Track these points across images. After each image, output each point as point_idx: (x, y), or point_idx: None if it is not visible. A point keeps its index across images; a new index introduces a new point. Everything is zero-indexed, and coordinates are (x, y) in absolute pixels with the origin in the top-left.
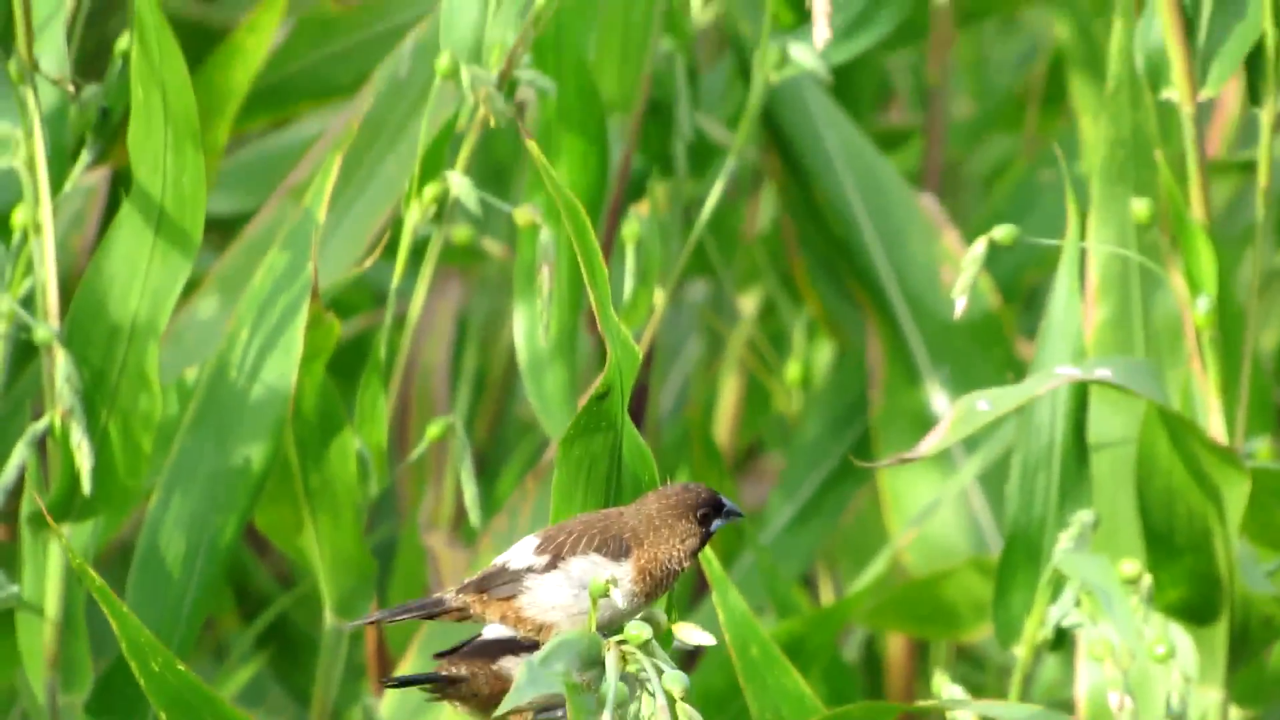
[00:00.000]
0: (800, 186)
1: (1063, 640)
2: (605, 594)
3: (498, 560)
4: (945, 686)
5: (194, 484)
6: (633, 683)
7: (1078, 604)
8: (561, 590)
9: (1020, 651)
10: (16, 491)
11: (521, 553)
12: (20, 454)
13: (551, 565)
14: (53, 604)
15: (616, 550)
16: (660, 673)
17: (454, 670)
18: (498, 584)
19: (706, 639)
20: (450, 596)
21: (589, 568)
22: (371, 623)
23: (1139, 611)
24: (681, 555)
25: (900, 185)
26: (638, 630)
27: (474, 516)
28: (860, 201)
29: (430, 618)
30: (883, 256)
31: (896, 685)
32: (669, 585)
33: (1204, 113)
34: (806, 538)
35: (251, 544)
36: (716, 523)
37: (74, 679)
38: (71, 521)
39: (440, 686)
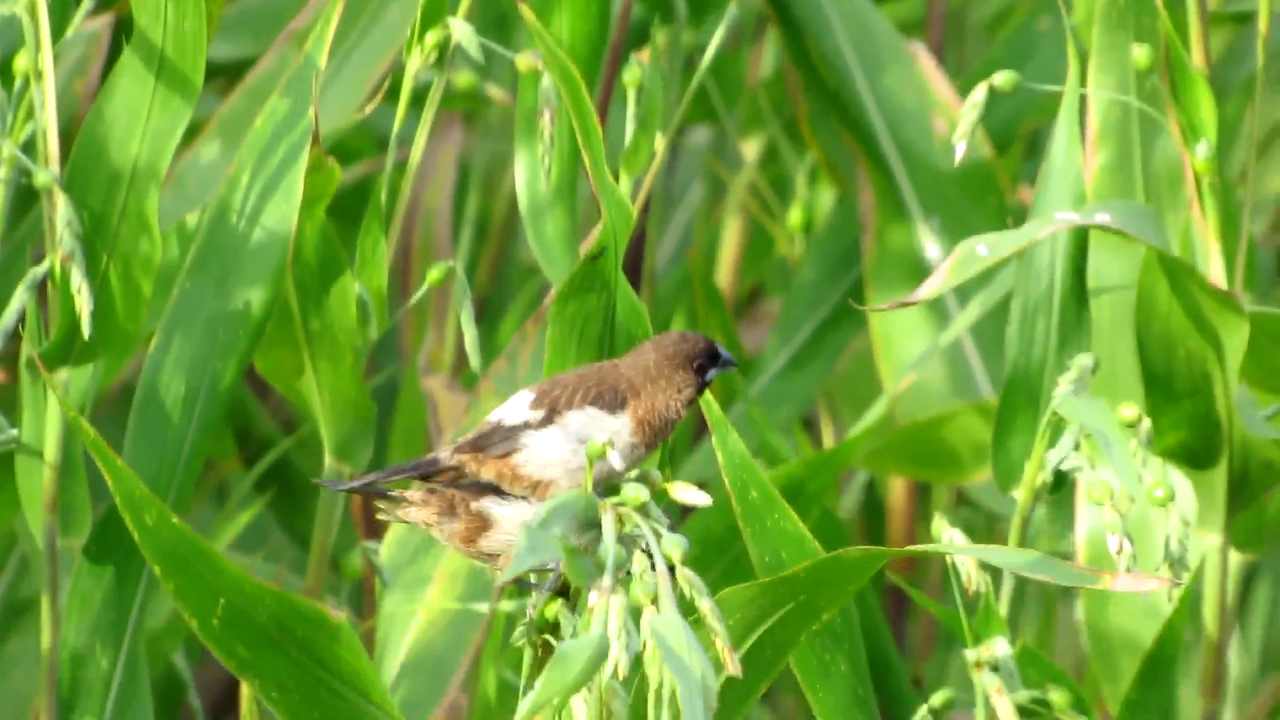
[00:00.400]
0: (794, 35)
1: (1062, 484)
2: (602, 455)
3: (492, 417)
4: (945, 530)
5: (194, 327)
6: (631, 544)
7: (1077, 448)
8: (559, 445)
9: (1019, 495)
10: (16, 335)
11: (516, 408)
12: (20, 298)
13: (548, 420)
14: (51, 448)
15: (613, 402)
16: (659, 537)
17: (418, 497)
18: (493, 441)
19: (703, 499)
20: (445, 456)
21: (586, 421)
22: (364, 484)
23: (1138, 455)
24: (679, 405)
25: (892, 34)
26: (635, 493)
27: (474, 361)
28: (852, 51)
29: (424, 478)
30: (874, 106)
31: (897, 529)
32: (667, 435)
33: None
34: (803, 381)
35: (252, 387)
36: (712, 372)
37: (73, 523)
38: (71, 365)
39: (402, 509)
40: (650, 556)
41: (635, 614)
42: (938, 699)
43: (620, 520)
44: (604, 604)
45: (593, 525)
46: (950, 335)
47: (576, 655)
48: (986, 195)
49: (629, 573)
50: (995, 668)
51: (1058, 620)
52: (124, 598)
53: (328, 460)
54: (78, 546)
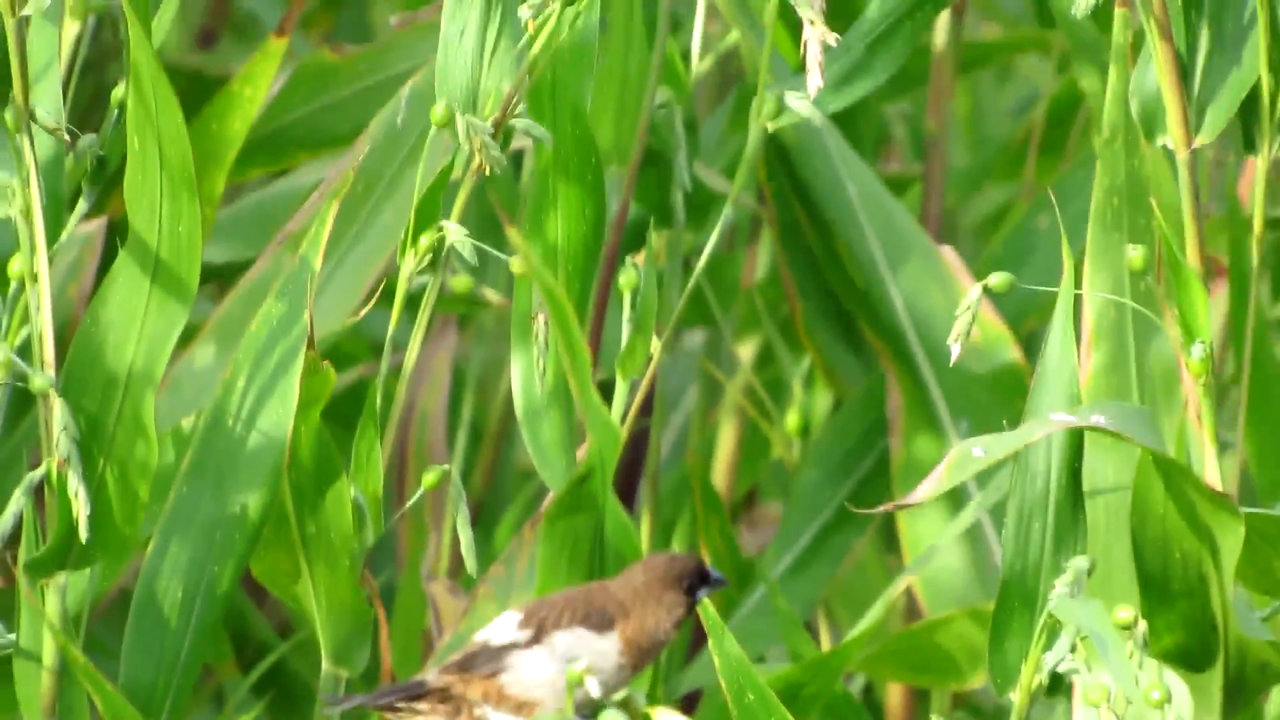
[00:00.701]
0: (820, 235)
1: (1059, 686)
2: (580, 683)
3: (479, 636)
4: None
5: (191, 531)
6: None
7: (1073, 650)
8: (546, 665)
9: (1016, 697)
10: (14, 539)
11: (504, 628)
12: (17, 502)
13: (535, 640)
14: (49, 653)
15: (601, 623)
16: None
17: (413, 704)
18: (480, 662)
19: None
20: (432, 678)
21: (574, 641)
22: (355, 706)
23: (1134, 657)
24: (669, 625)
25: (919, 234)
26: (614, 717)
27: (470, 564)
28: (880, 251)
29: (413, 699)
30: (903, 307)
31: None
32: (656, 655)
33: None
34: (806, 585)
35: (249, 592)
36: (702, 591)
37: None
38: (69, 569)
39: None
40: None
41: None
42: None
43: None
44: None
45: None
46: (952, 532)
47: None
48: (1015, 397)
49: None
50: None
51: None
52: None
53: (325, 665)
54: None
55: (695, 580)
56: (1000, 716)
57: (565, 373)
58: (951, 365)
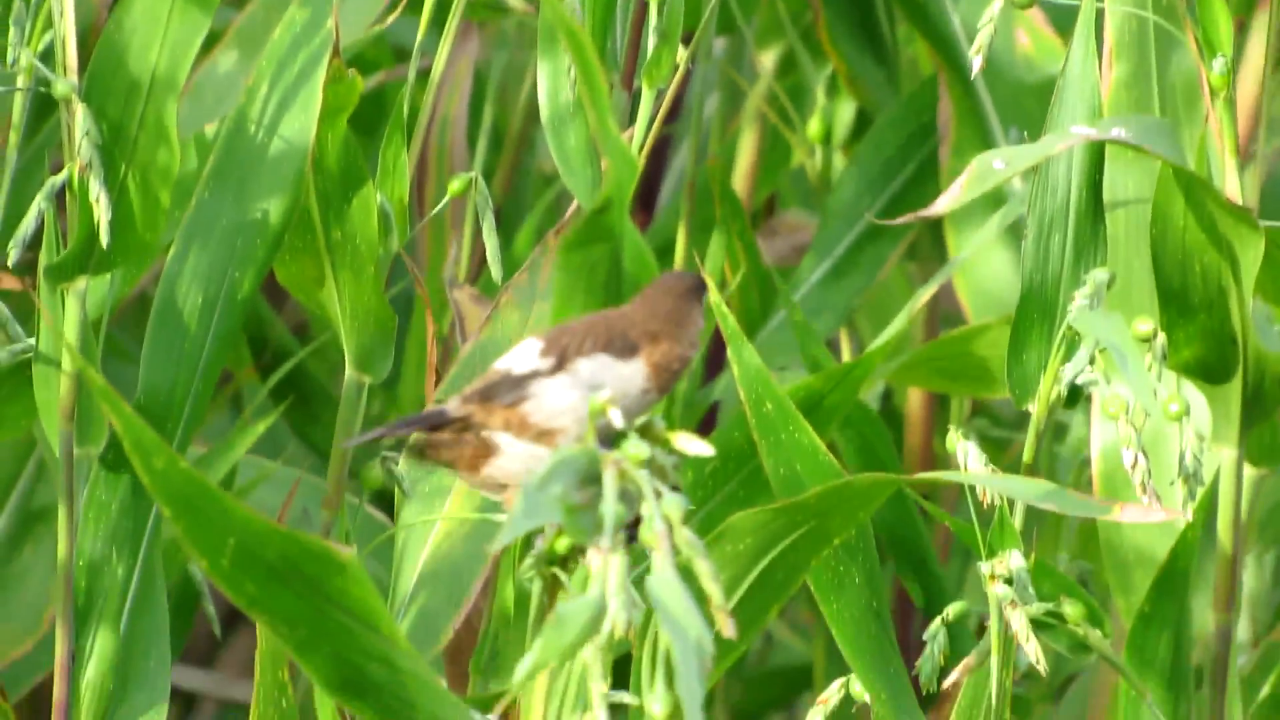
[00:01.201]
0: None
1: (1077, 398)
2: (603, 414)
3: (499, 365)
4: (959, 444)
5: (212, 237)
6: (632, 500)
7: (1092, 362)
8: (569, 393)
9: (1034, 409)
10: (35, 244)
11: (525, 356)
12: (38, 207)
13: (558, 368)
14: (68, 357)
15: (624, 348)
16: (659, 496)
17: (430, 435)
18: (502, 391)
19: (704, 449)
20: (453, 407)
21: (597, 369)
22: (373, 438)
23: (1153, 369)
24: (691, 342)
25: None
26: (636, 449)
27: (496, 271)
28: None
29: (433, 429)
30: (957, 17)
31: (914, 441)
32: (680, 377)
33: None
34: (841, 294)
35: (268, 297)
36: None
37: (89, 432)
38: (89, 274)
39: (417, 446)
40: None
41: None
42: (952, 610)
43: (621, 475)
44: (603, 565)
45: (594, 480)
46: (979, 242)
47: (574, 617)
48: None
49: (635, 525)
50: (1009, 581)
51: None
52: (140, 506)
53: (348, 371)
54: (95, 455)
55: (704, 291)
56: (1019, 426)
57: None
58: (1000, 75)
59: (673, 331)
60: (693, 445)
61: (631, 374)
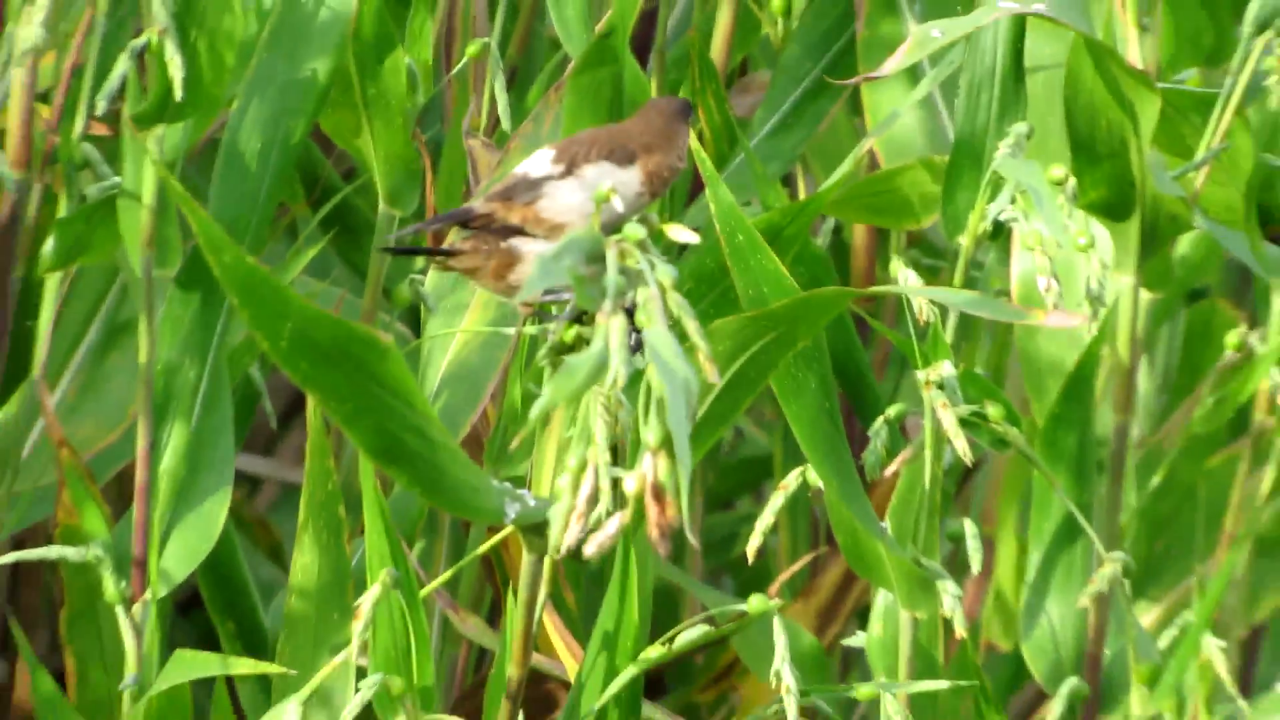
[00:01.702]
0: None
1: (1000, 232)
2: (607, 200)
3: (518, 170)
4: (900, 270)
5: (269, 92)
6: (631, 275)
7: (1013, 201)
8: (576, 194)
9: (964, 241)
10: (120, 97)
11: (539, 163)
12: (122, 65)
13: (567, 173)
14: (148, 192)
15: (623, 157)
16: (653, 266)
17: (458, 244)
18: (519, 192)
19: (692, 237)
20: (478, 205)
21: (600, 174)
22: (414, 230)
23: (1065, 208)
24: (679, 154)
25: None
26: (634, 230)
27: (505, 123)
28: None
29: (462, 225)
30: None
31: (859, 268)
32: (669, 184)
33: None
34: (789, 143)
35: (318, 143)
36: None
37: (166, 256)
38: (165, 123)
39: (443, 256)
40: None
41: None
42: (893, 411)
43: (622, 254)
44: (606, 324)
45: (599, 259)
46: (913, 98)
47: (580, 366)
48: None
49: (633, 303)
50: (941, 386)
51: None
52: (209, 320)
53: (381, 205)
54: (170, 276)
55: (691, 114)
56: (951, 257)
57: None
58: None
59: (664, 145)
60: (683, 234)
61: (629, 179)
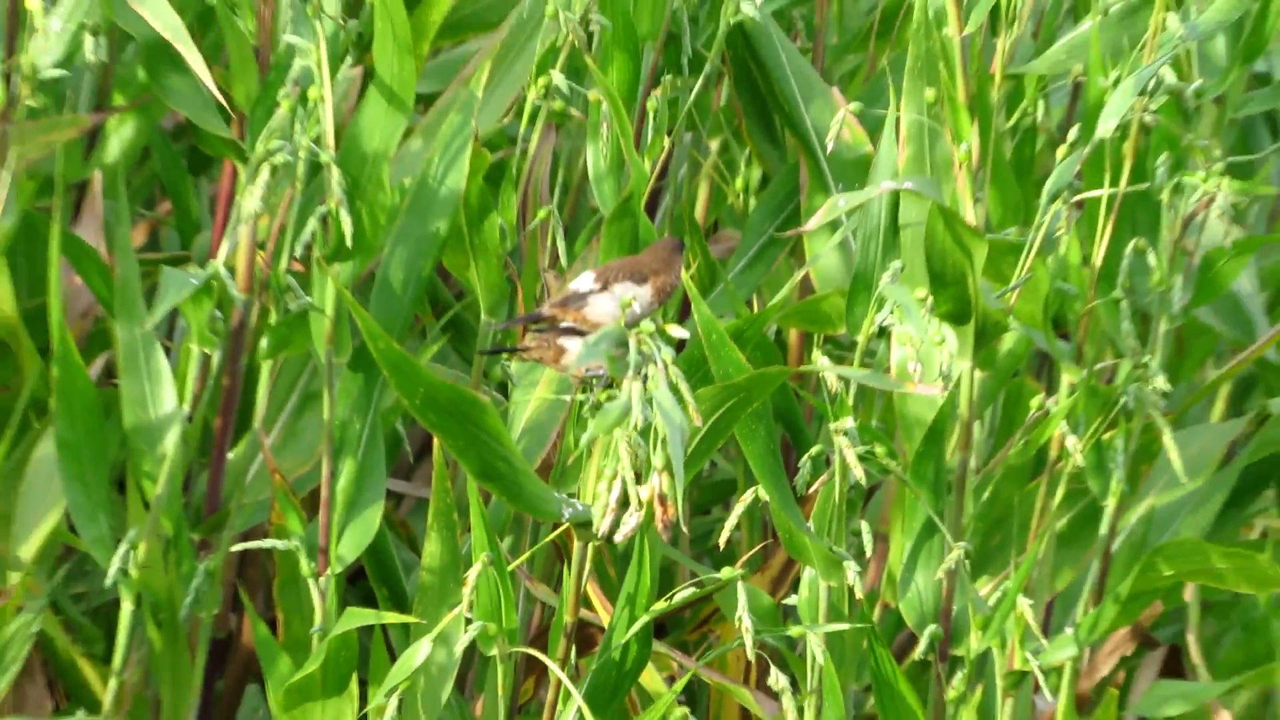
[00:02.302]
0: (763, 79)
1: (884, 333)
2: (629, 306)
3: (570, 286)
4: (820, 358)
5: (408, 241)
6: (645, 355)
7: (893, 313)
8: (609, 303)
9: (860, 338)
10: (310, 245)
11: (584, 282)
12: (312, 224)
13: (603, 289)
14: (329, 306)
15: (639, 278)
16: (659, 350)
17: (529, 343)
18: (572, 301)
19: (684, 334)
20: (545, 310)
21: (624, 289)
22: (504, 326)
23: (925, 317)
24: (677, 276)
25: (819, 80)
26: (647, 326)
27: (563, 259)
28: (797, 90)
29: (536, 322)
30: (809, 121)
31: (793, 357)
32: (670, 297)
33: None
34: (752, 277)
35: (441, 276)
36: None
37: (341, 348)
38: (340, 262)
39: (521, 351)
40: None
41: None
42: (815, 450)
43: (639, 342)
44: (628, 386)
45: (624, 344)
46: (832, 244)
47: (612, 411)
48: (865, 173)
49: (646, 374)
50: (846, 433)
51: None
52: (369, 389)
53: (483, 315)
54: (344, 361)
55: (684, 249)
56: (853, 348)
57: (615, 156)
58: (830, 154)
59: (667, 270)
60: (677, 331)
61: (644, 293)
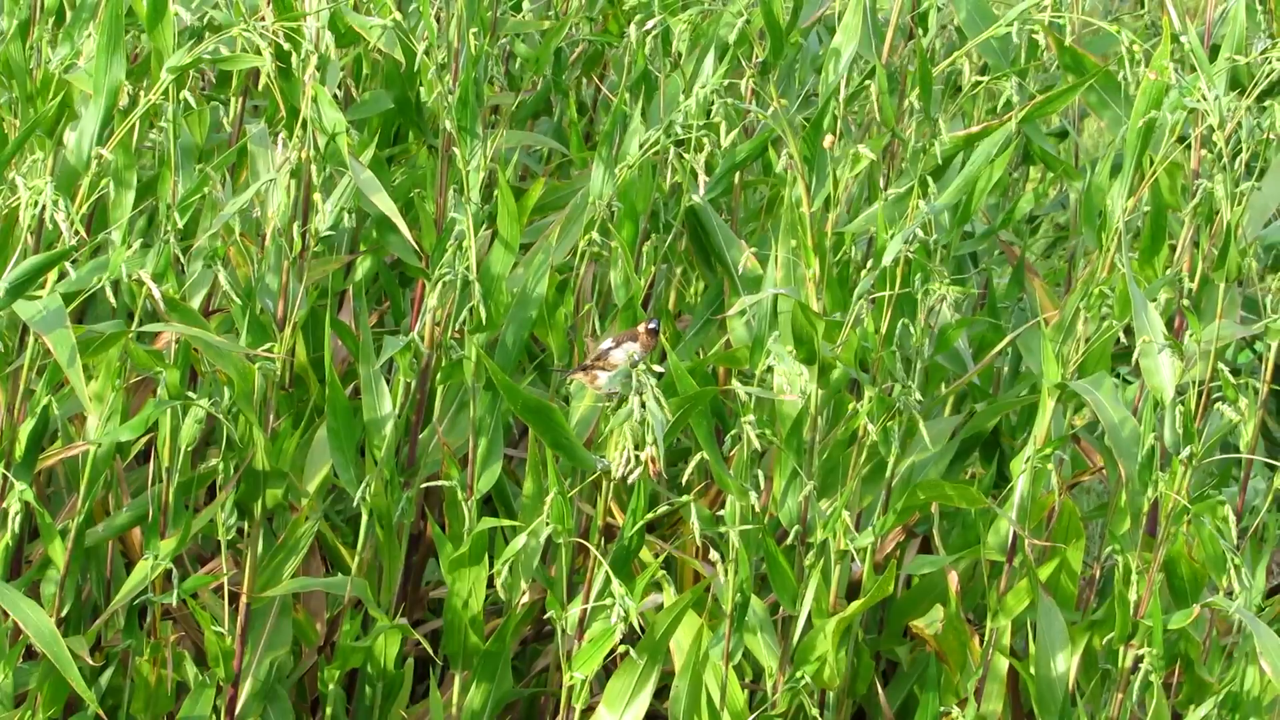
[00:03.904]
0: (706, 235)
1: (771, 370)
2: (631, 358)
3: (599, 346)
4: (736, 383)
5: (515, 323)
6: (641, 383)
7: (775, 358)
8: (620, 354)
9: (758, 372)
10: (463, 324)
11: (606, 344)
12: (464, 312)
13: (617, 346)
14: (473, 356)
15: (636, 339)
16: (649, 379)
17: (580, 373)
18: (601, 355)
19: (661, 370)
20: (588, 361)
21: (629, 347)
22: (565, 373)
23: (792, 361)
24: (655, 340)
25: (734, 235)
26: (641, 366)
27: (597, 331)
28: (723, 241)
29: (581, 370)
30: (729, 258)
31: (722, 382)
32: (653, 349)
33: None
34: (699, 340)
35: (533, 340)
36: (655, 326)
37: (479, 380)
38: (478, 332)
39: (575, 373)
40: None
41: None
42: (734, 431)
43: (637, 375)
44: (633, 399)
45: (629, 377)
46: (743, 318)
47: (623, 411)
48: (761, 285)
49: (642, 392)
50: (749, 423)
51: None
52: (494, 401)
53: (555, 361)
54: (481, 386)
55: (658, 326)
56: (754, 377)
57: (625, 274)
58: (740, 275)
59: (651, 336)
60: (657, 369)
61: (638, 347)
